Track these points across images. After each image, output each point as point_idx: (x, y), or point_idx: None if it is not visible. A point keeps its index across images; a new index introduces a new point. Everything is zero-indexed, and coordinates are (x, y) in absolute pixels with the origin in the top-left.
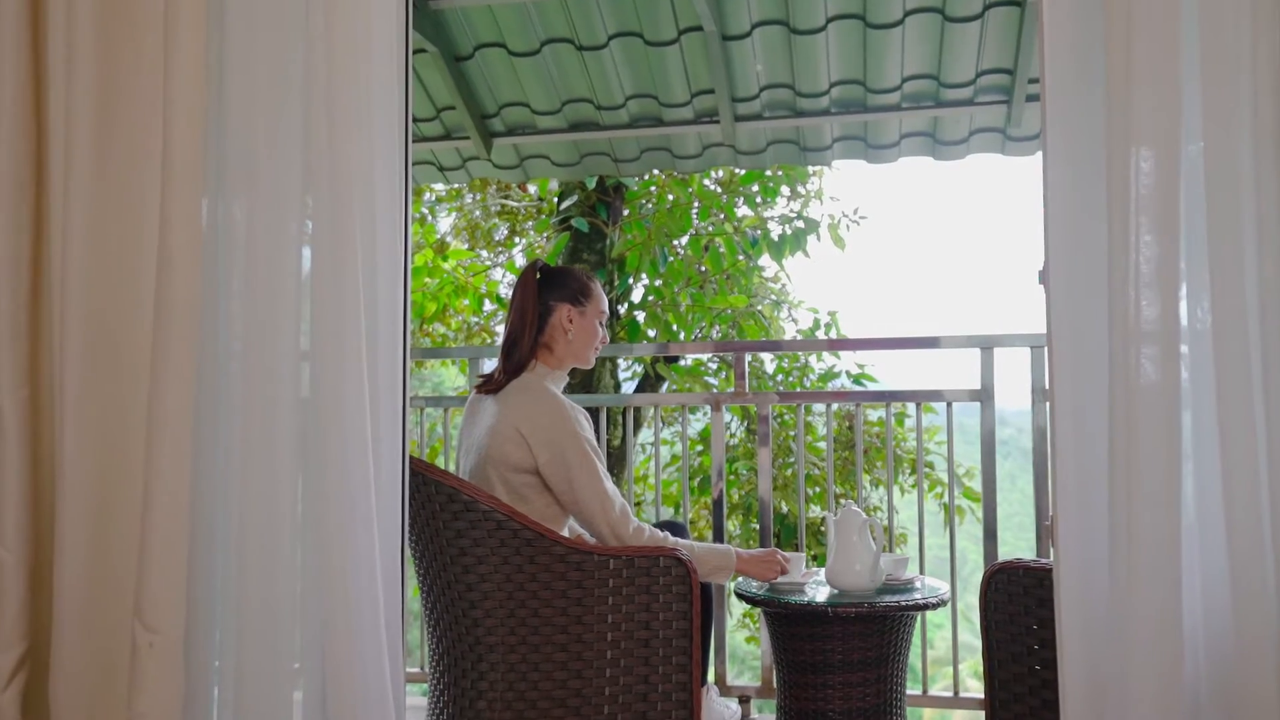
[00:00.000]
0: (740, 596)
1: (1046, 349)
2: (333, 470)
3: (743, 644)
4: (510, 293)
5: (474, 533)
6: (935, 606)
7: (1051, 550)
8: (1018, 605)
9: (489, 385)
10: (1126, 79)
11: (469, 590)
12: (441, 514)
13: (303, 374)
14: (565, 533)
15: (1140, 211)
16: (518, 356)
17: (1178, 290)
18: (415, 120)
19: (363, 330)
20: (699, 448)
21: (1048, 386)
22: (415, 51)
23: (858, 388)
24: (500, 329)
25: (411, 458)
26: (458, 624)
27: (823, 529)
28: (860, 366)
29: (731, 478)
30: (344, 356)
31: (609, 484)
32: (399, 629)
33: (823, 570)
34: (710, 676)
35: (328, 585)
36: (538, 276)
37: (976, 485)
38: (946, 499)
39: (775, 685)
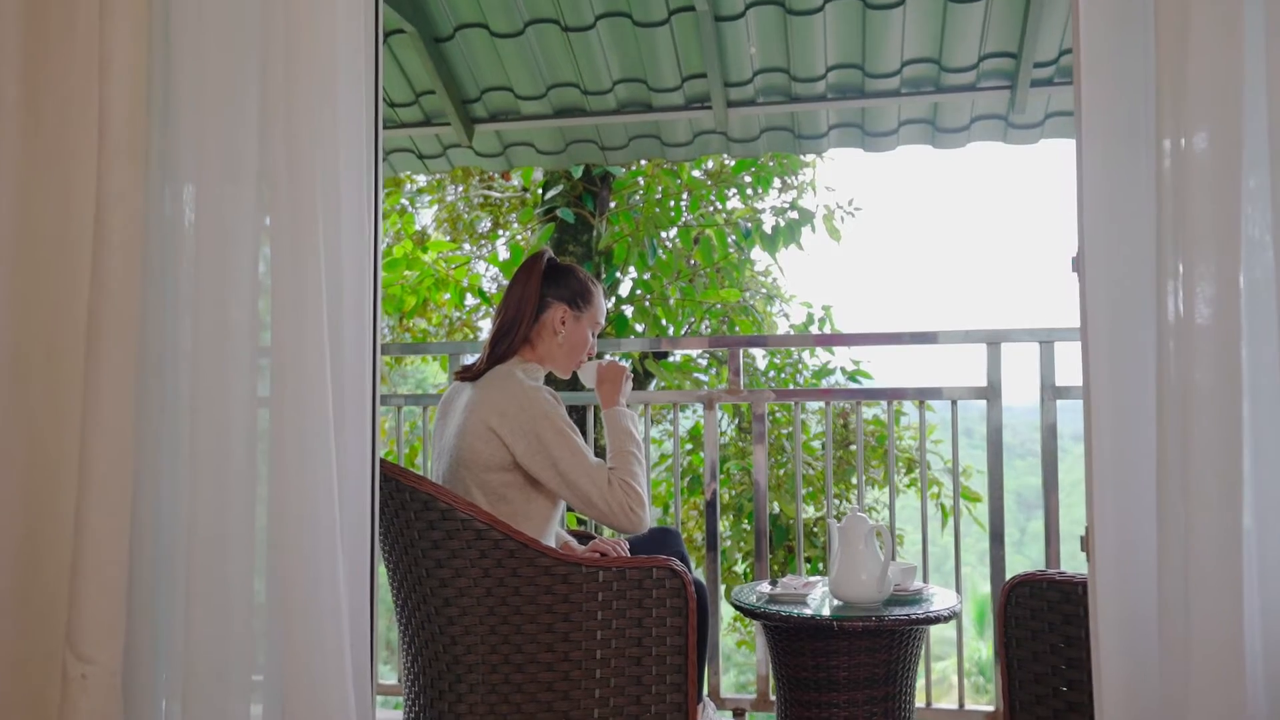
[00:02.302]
0: (738, 608)
1: (1081, 342)
2: (291, 476)
3: (733, 648)
4: (507, 283)
5: (451, 543)
6: (948, 619)
7: (1086, 561)
8: (1041, 621)
9: (468, 373)
10: (1181, 50)
11: (446, 605)
12: (416, 522)
13: (261, 374)
14: (551, 539)
15: (1193, 194)
16: (504, 348)
17: (1237, 279)
18: (393, 105)
19: (325, 325)
20: (688, 446)
21: (1082, 382)
22: (393, 32)
23: (853, 385)
24: (484, 324)
25: (384, 462)
26: (435, 641)
27: (815, 529)
28: (855, 363)
29: (722, 477)
30: (304, 354)
31: (592, 457)
32: (366, 647)
33: (823, 579)
34: (704, 689)
35: (285, 601)
36: (543, 269)
37: (973, 485)
38: (944, 500)
39: (774, 701)
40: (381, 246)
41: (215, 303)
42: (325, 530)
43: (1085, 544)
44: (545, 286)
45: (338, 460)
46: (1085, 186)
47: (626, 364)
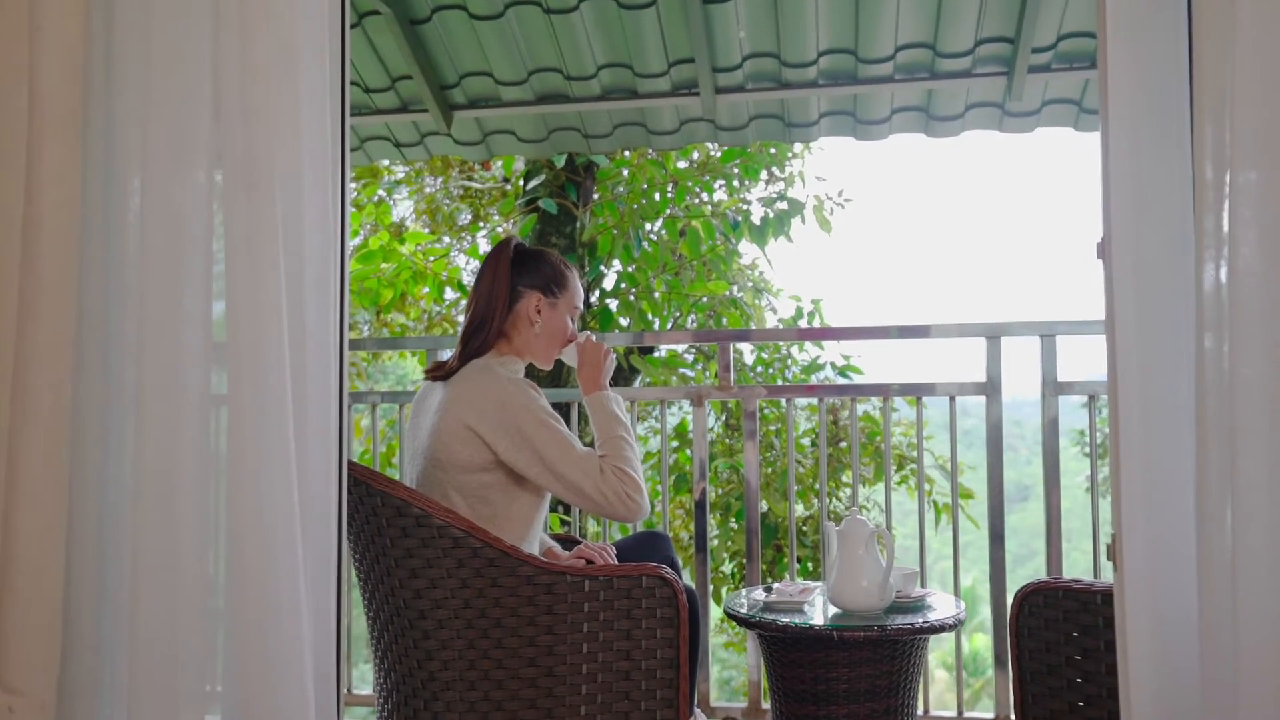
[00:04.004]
0: (731, 617)
1: (1106, 334)
2: (246, 480)
3: (722, 650)
4: (475, 275)
5: (426, 551)
6: (953, 627)
7: (1113, 571)
8: (1057, 632)
9: (439, 371)
10: (1231, 17)
11: (421, 617)
12: (389, 530)
13: (216, 371)
14: (535, 543)
15: (1237, 173)
16: (478, 344)
17: None
18: (368, 91)
19: (285, 319)
20: (674, 443)
21: (1108, 378)
22: (367, 13)
23: (843, 380)
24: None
25: (353, 464)
26: (409, 656)
27: (804, 528)
28: (846, 358)
29: (709, 475)
30: (262, 350)
31: (580, 446)
32: (332, 659)
33: (819, 585)
34: (694, 700)
35: (242, 612)
36: (510, 257)
37: (964, 482)
38: (936, 498)
39: (767, 710)
40: (350, 236)
41: (164, 294)
42: (284, 536)
43: (1111, 552)
44: (515, 275)
45: (300, 462)
46: (1111, 170)
47: (607, 344)
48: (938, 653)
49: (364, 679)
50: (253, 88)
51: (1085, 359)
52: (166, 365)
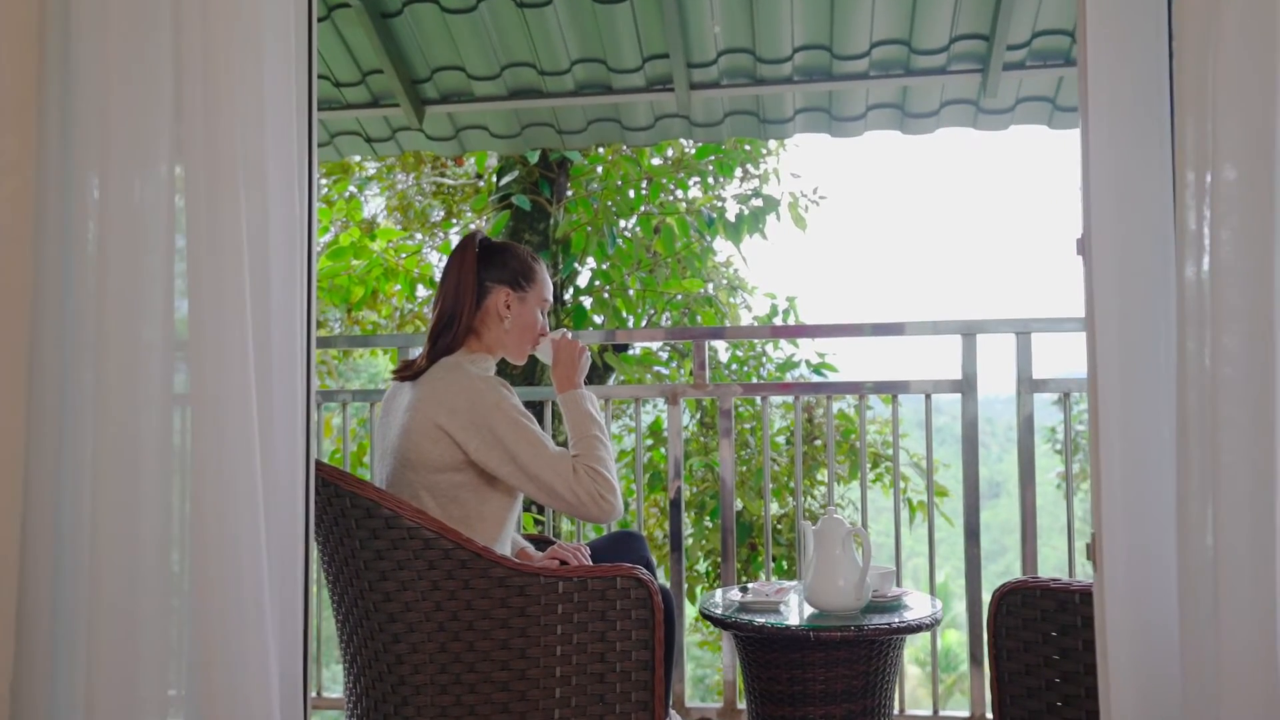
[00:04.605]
0: (707, 617)
1: (1086, 330)
2: (209, 480)
3: (697, 649)
4: (441, 273)
5: (397, 553)
6: (930, 627)
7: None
8: (1035, 632)
9: (408, 371)
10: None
11: (392, 620)
12: (358, 531)
13: (178, 369)
14: (508, 543)
15: (1219, 170)
16: (446, 342)
17: (1272, 258)
18: (338, 85)
19: (249, 316)
20: (649, 442)
21: (1088, 374)
22: (337, 6)
23: (818, 378)
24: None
25: (322, 464)
26: (379, 660)
27: (779, 526)
28: (821, 356)
29: (685, 473)
30: (226, 347)
31: (553, 445)
32: (299, 662)
33: (795, 585)
34: (669, 702)
35: (204, 615)
36: (476, 252)
37: (939, 479)
38: (909, 496)
39: (742, 711)
40: (318, 232)
41: (125, 290)
42: (249, 537)
43: (1091, 551)
44: (482, 271)
45: (265, 462)
46: (1091, 165)
47: (582, 342)
48: (910, 649)
49: (336, 680)
50: (216, 79)
51: (1058, 356)
52: (127, 363)
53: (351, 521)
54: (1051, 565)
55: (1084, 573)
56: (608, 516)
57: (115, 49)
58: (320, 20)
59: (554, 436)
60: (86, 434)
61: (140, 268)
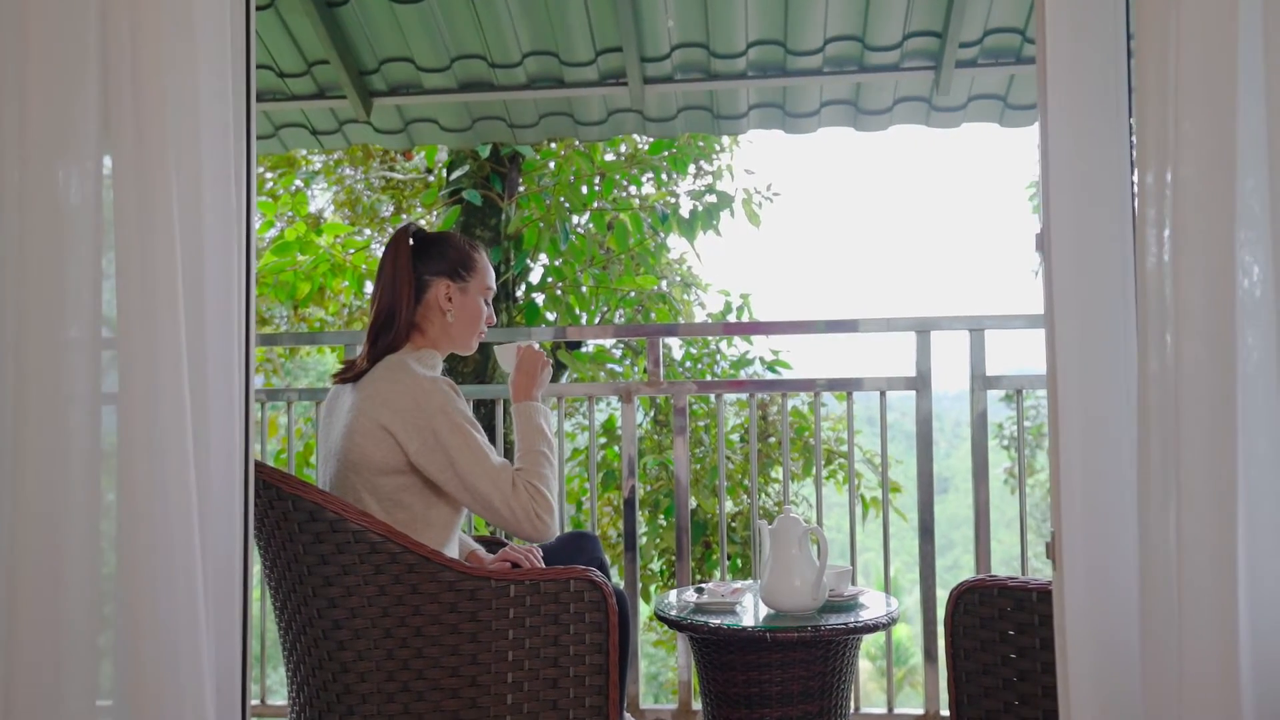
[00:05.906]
0: (661, 619)
1: (1046, 326)
2: (139, 483)
3: (651, 648)
4: (377, 269)
5: (342, 557)
6: (887, 626)
7: (1053, 569)
8: (992, 630)
9: (348, 373)
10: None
11: (336, 627)
12: (301, 535)
13: (106, 368)
14: (455, 548)
15: (1179, 166)
16: (388, 340)
17: (1232, 254)
18: (282, 75)
19: (181, 313)
20: (602, 440)
21: (1047, 371)
22: None
23: (773, 375)
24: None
25: (263, 466)
26: (324, 668)
27: (733, 524)
28: (775, 353)
29: (639, 471)
30: (156, 345)
31: (495, 457)
32: (237, 671)
33: (751, 585)
34: (623, 705)
35: (136, 623)
36: (410, 245)
37: (891, 475)
38: (863, 492)
39: (698, 713)
40: (256, 226)
41: (47, 285)
42: (182, 543)
43: (1051, 551)
44: (419, 264)
45: (199, 464)
46: (1051, 160)
47: (546, 355)
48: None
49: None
50: (144, 64)
51: (1008, 353)
52: (49, 361)
53: (294, 525)
54: (999, 558)
55: (1034, 568)
56: (541, 537)
57: (35, 27)
58: (263, 8)
59: (505, 437)
60: (6, 435)
61: (63, 262)
